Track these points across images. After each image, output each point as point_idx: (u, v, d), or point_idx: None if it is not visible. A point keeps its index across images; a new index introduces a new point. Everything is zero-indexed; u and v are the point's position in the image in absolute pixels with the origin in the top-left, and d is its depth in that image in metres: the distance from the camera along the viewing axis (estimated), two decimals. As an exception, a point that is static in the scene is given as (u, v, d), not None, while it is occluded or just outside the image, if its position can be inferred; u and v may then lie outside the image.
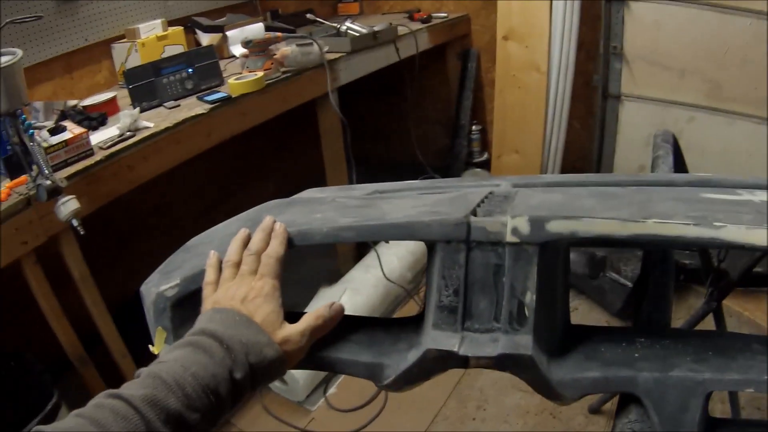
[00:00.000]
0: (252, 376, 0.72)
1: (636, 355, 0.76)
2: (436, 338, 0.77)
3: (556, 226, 0.72)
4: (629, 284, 2.67)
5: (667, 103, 3.19)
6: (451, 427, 2.32)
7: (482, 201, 0.84)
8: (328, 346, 0.85)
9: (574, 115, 3.53)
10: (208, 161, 2.54)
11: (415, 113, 3.62)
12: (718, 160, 3.08)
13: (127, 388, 0.64)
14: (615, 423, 0.75)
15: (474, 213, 0.78)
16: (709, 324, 1.86)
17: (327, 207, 0.95)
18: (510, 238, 0.73)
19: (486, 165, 3.95)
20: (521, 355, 0.73)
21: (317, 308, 0.81)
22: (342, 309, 0.83)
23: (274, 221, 0.86)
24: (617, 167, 3.60)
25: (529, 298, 0.73)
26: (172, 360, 0.69)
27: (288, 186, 3.67)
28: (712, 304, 1.80)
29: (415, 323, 0.86)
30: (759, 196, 0.84)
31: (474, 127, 3.98)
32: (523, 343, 0.73)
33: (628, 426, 0.73)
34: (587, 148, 3.67)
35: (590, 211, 0.74)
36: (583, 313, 2.84)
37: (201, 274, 0.84)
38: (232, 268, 0.84)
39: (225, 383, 0.69)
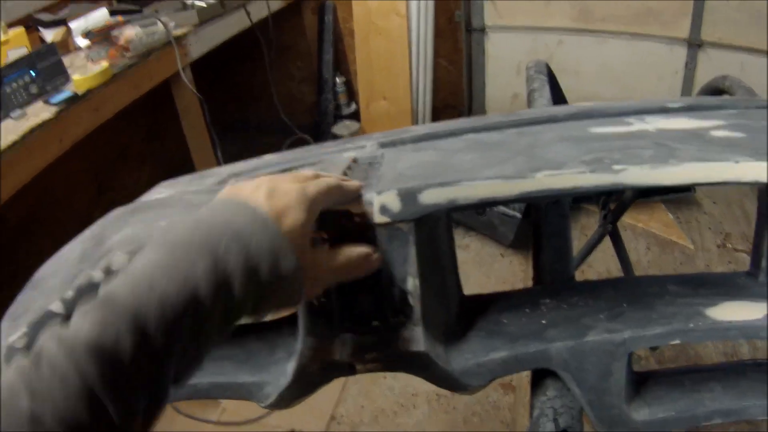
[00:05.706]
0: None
1: (543, 321, 0.67)
2: (313, 347, 0.65)
3: (431, 196, 0.60)
4: (518, 215, 2.64)
5: (534, 30, 3.17)
6: (361, 400, 2.23)
7: (345, 173, 0.71)
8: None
9: (441, 53, 3.47)
10: (79, 158, 2.31)
11: (278, 74, 3.45)
12: (593, 80, 3.10)
13: (76, 321, 0.44)
14: (532, 402, 0.66)
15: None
16: (606, 244, 1.85)
17: (173, 211, 0.80)
18: (379, 218, 0.61)
19: (356, 115, 3.86)
20: (413, 352, 0.62)
21: None
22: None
23: None
24: (489, 99, 3.59)
25: (412, 284, 0.62)
26: (139, 267, 0.48)
27: (163, 170, 3.42)
28: (607, 226, 1.77)
29: (291, 323, 0.74)
30: (652, 122, 0.76)
31: (338, 80, 3.88)
32: (413, 337, 0.62)
33: (548, 404, 0.64)
34: (457, 84, 3.62)
35: (470, 170, 0.64)
36: (476, 250, 2.79)
37: (48, 315, 0.68)
38: None
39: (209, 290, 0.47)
